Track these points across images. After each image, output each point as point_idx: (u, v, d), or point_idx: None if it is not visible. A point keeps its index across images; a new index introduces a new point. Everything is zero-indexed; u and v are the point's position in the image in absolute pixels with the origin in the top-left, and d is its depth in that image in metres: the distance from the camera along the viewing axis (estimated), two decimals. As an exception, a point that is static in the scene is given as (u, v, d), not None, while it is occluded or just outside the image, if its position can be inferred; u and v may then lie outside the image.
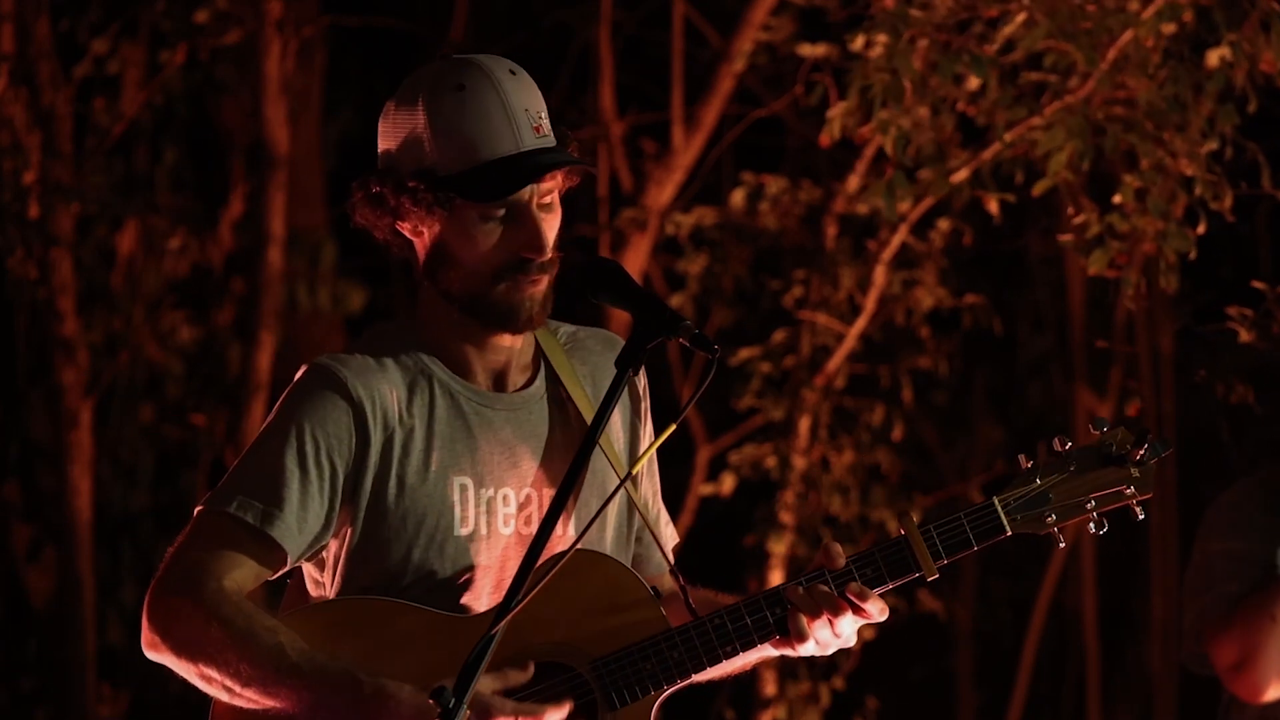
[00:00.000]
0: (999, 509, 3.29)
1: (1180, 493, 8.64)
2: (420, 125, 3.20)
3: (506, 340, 3.29)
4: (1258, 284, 4.98)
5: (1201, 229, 5.00)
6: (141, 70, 7.97)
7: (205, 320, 8.56)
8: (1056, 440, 3.30)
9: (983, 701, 10.08)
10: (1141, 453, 3.27)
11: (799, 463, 6.66)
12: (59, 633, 7.12)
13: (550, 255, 3.22)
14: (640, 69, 8.37)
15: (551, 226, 3.23)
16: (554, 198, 3.24)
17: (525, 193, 3.19)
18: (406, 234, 3.27)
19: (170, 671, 3.20)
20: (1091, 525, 3.29)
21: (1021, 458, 3.31)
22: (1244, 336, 4.95)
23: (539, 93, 3.24)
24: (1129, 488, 3.29)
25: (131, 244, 8.31)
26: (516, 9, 9.34)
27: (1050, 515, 3.28)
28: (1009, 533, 3.30)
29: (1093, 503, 3.28)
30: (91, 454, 7.10)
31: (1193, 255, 4.99)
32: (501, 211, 3.20)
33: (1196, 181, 4.97)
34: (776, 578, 6.66)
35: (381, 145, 3.26)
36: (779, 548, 6.63)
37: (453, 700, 2.91)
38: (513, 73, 3.22)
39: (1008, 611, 9.92)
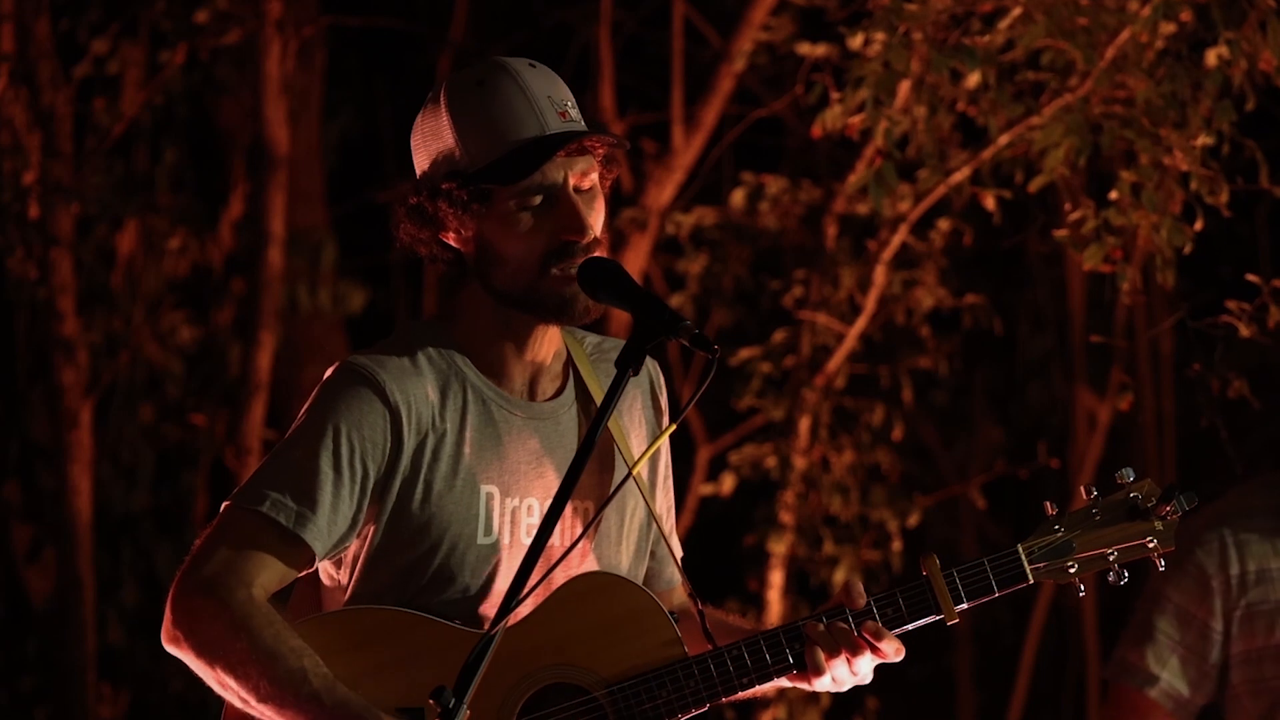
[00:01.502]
0: (1022, 556, 3.29)
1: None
2: (446, 129, 3.20)
3: (543, 348, 3.28)
4: (1252, 277, 4.97)
5: (1199, 225, 5.00)
6: (141, 70, 7.96)
7: (205, 320, 8.56)
8: (1082, 490, 3.32)
9: (983, 701, 10.08)
10: (1167, 509, 3.30)
11: (799, 463, 6.66)
12: (59, 633, 7.11)
13: (593, 238, 3.21)
14: (640, 69, 8.37)
15: (594, 211, 3.22)
16: (594, 183, 3.23)
17: (558, 175, 3.18)
18: (452, 243, 3.25)
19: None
20: (1111, 575, 3.31)
21: (1047, 504, 3.32)
22: (1244, 331, 4.95)
23: (564, 86, 3.24)
24: (1151, 541, 3.32)
25: (131, 244, 8.31)
26: (516, 9, 9.34)
27: (1072, 565, 3.30)
28: (1031, 581, 3.30)
29: (1115, 554, 3.31)
30: (91, 454, 7.09)
31: (1188, 249, 4.99)
32: (538, 198, 3.19)
33: (1193, 177, 4.97)
34: (776, 578, 6.66)
35: (416, 163, 3.26)
36: (779, 548, 6.63)
37: (453, 700, 2.90)
38: (533, 65, 3.22)
39: (1008, 611, 9.91)
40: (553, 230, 3.19)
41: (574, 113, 3.21)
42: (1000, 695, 9.45)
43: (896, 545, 6.85)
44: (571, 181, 3.20)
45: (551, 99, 3.19)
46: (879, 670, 3.32)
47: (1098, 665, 8.96)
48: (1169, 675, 4.43)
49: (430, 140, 3.23)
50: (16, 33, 7.05)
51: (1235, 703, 4.44)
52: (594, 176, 3.23)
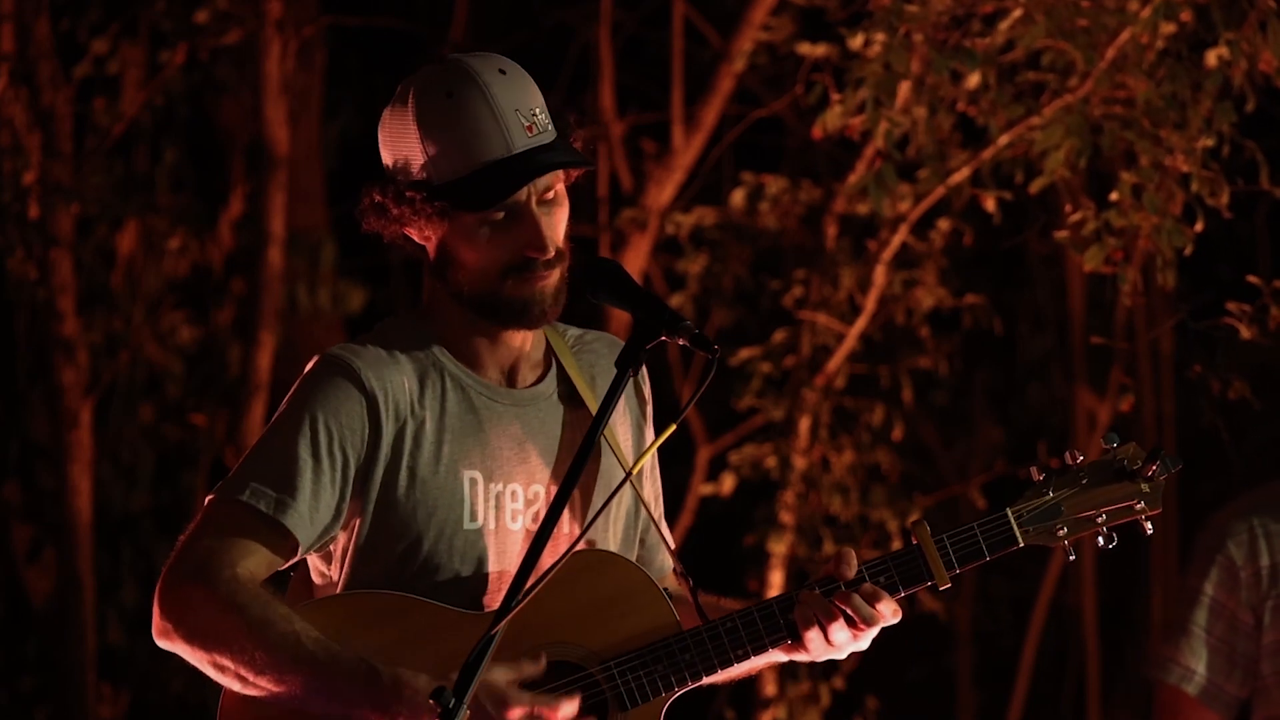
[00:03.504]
0: (1012, 520, 3.31)
1: (1180, 492, 8.63)
2: (412, 135, 3.22)
3: (518, 337, 3.30)
4: (1253, 279, 4.98)
5: (1199, 226, 5.01)
6: (141, 70, 7.96)
7: (205, 320, 8.56)
8: (1068, 454, 3.34)
9: (983, 701, 10.08)
10: (1153, 469, 3.31)
11: (799, 463, 6.66)
12: (59, 633, 7.12)
13: (555, 251, 3.22)
14: (640, 69, 8.37)
15: (556, 222, 3.23)
16: (557, 192, 3.24)
17: (523, 193, 3.20)
18: (414, 238, 3.28)
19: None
20: (1100, 539, 3.33)
21: (1034, 469, 3.34)
22: (1245, 333, 4.95)
23: (533, 89, 3.24)
24: (1139, 503, 3.34)
25: (131, 244, 8.31)
26: (516, 9, 9.34)
27: (1061, 528, 3.32)
28: (1021, 544, 3.32)
29: (1103, 516, 3.33)
30: (91, 454, 7.09)
31: (1189, 251, 5.00)
32: (501, 215, 3.21)
33: (1193, 178, 4.98)
34: (776, 578, 6.66)
35: (383, 154, 3.28)
36: (779, 548, 6.63)
37: (453, 700, 2.91)
38: (502, 72, 3.22)
39: (1008, 611, 9.91)
40: (514, 245, 3.21)
41: (542, 119, 3.22)
42: (1000, 695, 9.45)
43: (896, 545, 6.85)
44: (534, 197, 3.21)
45: (519, 111, 3.20)
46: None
47: (1098, 665, 8.96)
48: (1204, 669, 4.45)
49: (396, 141, 3.24)
50: (16, 33, 7.05)
51: (1264, 694, 4.45)
52: (559, 186, 3.24)
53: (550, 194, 3.23)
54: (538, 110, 3.22)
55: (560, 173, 3.24)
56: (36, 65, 7.03)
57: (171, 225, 8.32)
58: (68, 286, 7.05)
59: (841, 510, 6.79)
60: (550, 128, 3.23)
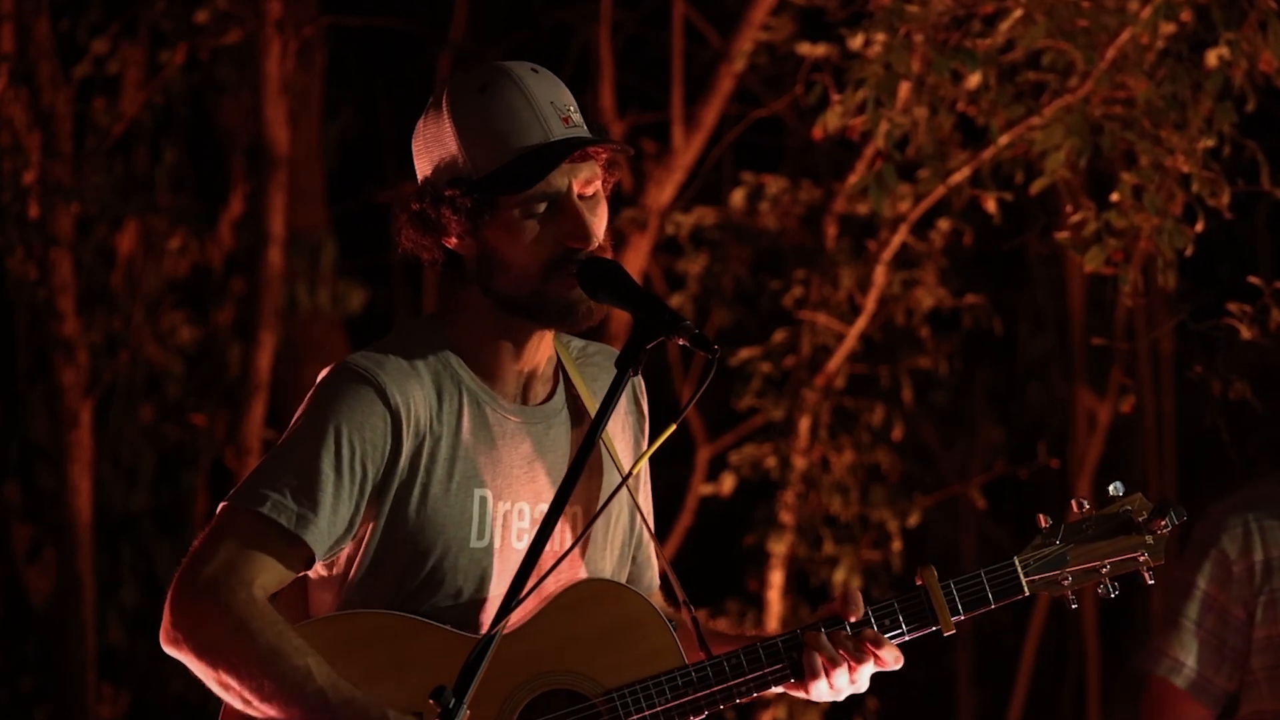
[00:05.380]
0: (1018, 568, 3.32)
1: (1180, 493, 8.64)
2: (449, 135, 3.20)
3: (539, 349, 3.28)
4: (1254, 280, 4.98)
5: (1199, 226, 5.01)
6: (141, 70, 7.97)
7: (205, 320, 8.56)
8: (1074, 503, 3.35)
9: (983, 701, 10.08)
10: (1161, 524, 3.33)
11: (799, 463, 6.66)
12: (59, 633, 7.11)
13: (597, 245, 3.20)
14: (640, 69, 8.37)
15: (597, 217, 3.21)
16: (597, 189, 3.22)
17: (563, 183, 3.18)
18: (454, 249, 3.24)
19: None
20: (1102, 588, 3.35)
21: (1041, 517, 3.35)
22: (1245, 334, 4.96)
23: (565, 89, 3.23)
24: (1143, 554, 3.35)
25: (131, 244, 8.31)
26: (516, 9, 9.34)
27: (1067, 578, 3.33)
28: (1026, 593, 3.34)
29: (1107, 567, 3.34)
30: (91, 454, 7.09)
31: (1189, 252, 5.00)
32: (543, 206, 3.18)
33: (1194, 178, 4.98)
34: (776, 578, 6.66)
35: (418, 168, 3.26)
36: (779, 548, 6.63)
37: (453, 700, 2.90)
38: (534, 70, 3.22)
39: (1008, 612, 9.91)
40: (557, 238, 3.18)
41: (576, 117, 3.21)
42: (1000, 695, 9.46)
43: (896, 545, 6.85)
44: (575, 189, 3.20)
45: (554, 104, 3.19)
46: (879, 671, 3.32)
47: (1098, 665, 8.97)
48: (1194, 662, 4.45)
49: (433, 146, 3.22)
50: (16, 33, 7.05)
51: (1253, 689, 4.46)
52: (597, 183, 3.23)
53: (591, 190, 3.21)
54: (572, 108, 3.22)
55: (601, 171, 3.22)
56: (36, 65, 7.03)
57: (171, 225, 8.33)
58: (68, 286, 7.05)
59: (841, 510, 6.79)
60: (584, 125, 3.23)
